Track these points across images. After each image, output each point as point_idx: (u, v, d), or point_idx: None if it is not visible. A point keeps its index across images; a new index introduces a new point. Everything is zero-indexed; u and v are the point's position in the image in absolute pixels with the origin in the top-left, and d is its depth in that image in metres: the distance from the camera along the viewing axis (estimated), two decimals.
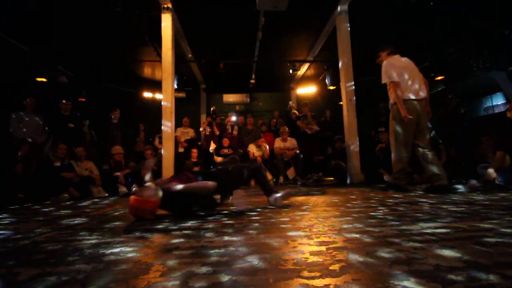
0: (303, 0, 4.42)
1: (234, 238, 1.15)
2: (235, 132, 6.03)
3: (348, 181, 4.49)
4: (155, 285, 0.69)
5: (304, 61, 7.01)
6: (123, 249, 1.04)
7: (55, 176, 3.74)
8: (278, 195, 2.16)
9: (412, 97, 2.76)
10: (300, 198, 2.65)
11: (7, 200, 3.26)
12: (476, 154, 3.78)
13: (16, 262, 0.95)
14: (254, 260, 0.85)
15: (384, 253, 0.87)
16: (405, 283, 0.65)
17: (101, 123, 5.57)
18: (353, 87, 4.63)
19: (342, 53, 4.65)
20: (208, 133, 5.97)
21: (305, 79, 8.32)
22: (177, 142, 5.51)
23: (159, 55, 5.38)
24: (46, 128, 4.45)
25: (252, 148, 5.26)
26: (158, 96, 7.78)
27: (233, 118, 6.62)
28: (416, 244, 0.96)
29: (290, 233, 1.21)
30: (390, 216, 1.54)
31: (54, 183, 3.65)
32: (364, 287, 0.64)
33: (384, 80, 2.86)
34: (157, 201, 1.72)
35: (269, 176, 5.01)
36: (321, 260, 0.84)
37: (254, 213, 1.82)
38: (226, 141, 5.46)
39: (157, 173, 4.25)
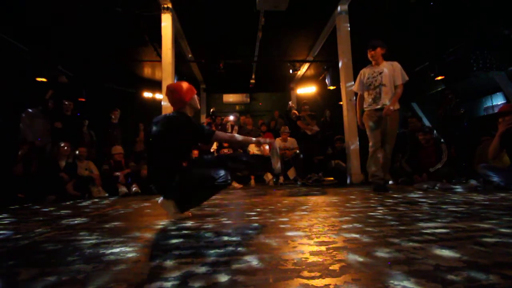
0: (303, 0, 4.42)
1: (234, 238, 1.15)
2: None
3: (348, 181, 4.49)
4: (155, 285, 0.69)
5: (304, 61, 7.01)
6: (123, 249, 1.04)
7: (57, 175, 3.78)
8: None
9: None
10: (300, 198, 2.65)
11: (7, 200, 3.26)
12: (476, 154, 3.78)
13: (16, 262, 0.95)
14: (253, 260, 0.85)
15: (384, 253, 0.87)
16: (405, 283, 0.65)
17: (101, 123, 5.57)
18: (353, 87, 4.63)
19: (342, 53, 4.66)
20: None
21: (305, 79, 8.32)
22: None
23: (159, 55, 5.38)
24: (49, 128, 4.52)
25: (252, 148, 5.26)
26: (158, 96, 7.78)
27: (231, 118, 6.62)
28: (416, 244, 0.96)
29: (290, 233, 1.21)
30: (390, 216, 1.54)
31: (55, 183, 3.69)
32: (364, 287, 0.64)
33: (406, 77, 2.90)
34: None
35: (269, 176, 5.01)
36: (321, 260, 0.84)
37: (254, 213, 1.82)
38: None
39: None
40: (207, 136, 1.75)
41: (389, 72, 2.90)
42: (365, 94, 3.04)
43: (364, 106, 3.08)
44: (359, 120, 3.19)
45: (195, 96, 1.89)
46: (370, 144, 3.00)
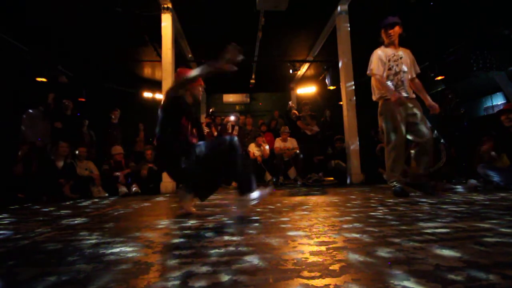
0: (303, 0, 4.42)
1: (234, 238, 1.15)
2: (235, 133, 6.03)
3: (348, 181, 4.49)
4: (155, 285, 0.69)
5: (304, 61, 7.01)
6: (123, 249, 1.04)
7: (53, 176, 3.78)
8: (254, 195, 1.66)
9: None
10: (300, 198, 2.65)
11: (7, 200, 3.26)
12: (476, 154, 3.78)
13: (16, 262, 0.95)
14: (254, 260, 0.85)
15: (384, 253, 0.87)
16: (405, 283, 0.65)
17: (101, 123, 5.57)
18: (353, 87, 4.63)
19: (342, 53, 4.66)
20: (205, 134, 5.97)
21: (305, 79, 8.32)
22: None
23: (159, 55, 5.39)
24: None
25: (252, 148, 5.26)
26: (158, 96, 7.78)
27: (232, 118, 6.62)
28: (416, 244, 0.96)
29: (290, 233, 1.21)
30: (390, 216, 1.54)
31: (51, 183, 3.70)
32: (364, 287, 0.64)
33: (418, 69, 2.63)
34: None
35: (269, 177, 5.01)
36: (321, 260, 0.84)
37: (254, 213, 1.82)
38: None
39: (156, 173, 4.25)
40: (171, 92, 1.77)
41: (407, 58, 2.56)
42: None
43: (382, 94, 2.53)
44: (394, 96, 2.38)
45: (200, 87, 1.95)
46: (393, 143, 2.45)
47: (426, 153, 2.46)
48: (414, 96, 2.57)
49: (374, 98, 2.64)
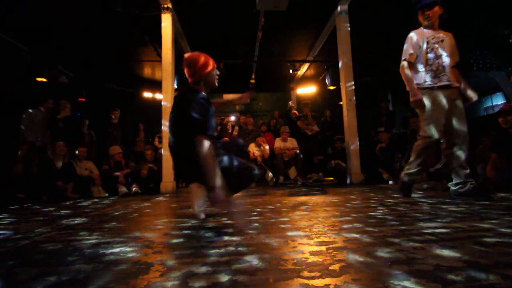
0: (303, 0, 4.42)
1: (234, 238, 1.15)
2: (235, 133, 6.03)
3: (348, 181, 4.49)
4: (155, 285, 0.69)
5: (304, 61, 7.01)
6: (123, 249, 1.04)
7: (52, 176, 3.79)
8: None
9: None
10: (300, 198, 2.65)
11: (7, 200, 3.26)
12: (476, 154, 3.78)
13: (16, 262, 0.95)
14: (254, 260, 0.85)
15: (384, 253, 0.87)
16: (405, 283, 0.65)
17: (101, 123, 5.57)
18: (353, 87, 4.63)
19: (342, 53, 4.66)
20: None
21: (305, 79, 8.32)
22: None
23: (159, 55, 5.39)
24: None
25: (252, 148, 5.26)
26: (158, 96, 7.78)
27: (232, 118, 6.62)
28: (416, 244, 0.96)
29: (290, 233, 1.21)
30: (390, 216, 1.54)
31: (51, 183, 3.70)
32: (364, 287, 0.64)
33: (458, 58, 2.26)
34: None
35: (270, 176, 5.02)
36: (321, 260, 0.84)
37: (254, 213, 1.82)
38: None
39: (157, 173, 4.25)
40: (194, 130, 1.46)
41: (449, 42, 2.22)
42: (420, 65, 2.21)
43: (419, 81, 2.20)
44: (415, 95, 2.15)
45: (214, 71, 1.71)
46: (432, 138, 2.17)
47: (463, 153, 2.19)
48: (458, 85, 2.21)
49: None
